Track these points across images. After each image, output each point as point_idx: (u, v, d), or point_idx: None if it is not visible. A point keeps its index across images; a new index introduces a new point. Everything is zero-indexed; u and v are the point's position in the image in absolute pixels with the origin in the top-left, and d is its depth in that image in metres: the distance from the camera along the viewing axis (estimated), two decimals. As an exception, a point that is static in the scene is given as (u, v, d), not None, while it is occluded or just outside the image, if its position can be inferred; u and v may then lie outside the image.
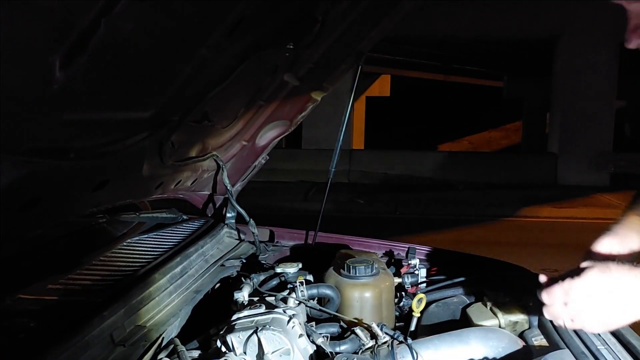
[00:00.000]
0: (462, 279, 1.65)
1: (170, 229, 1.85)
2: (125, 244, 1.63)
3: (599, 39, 10.34)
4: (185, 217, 2.04)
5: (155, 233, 1.77)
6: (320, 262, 1.61)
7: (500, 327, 1.32)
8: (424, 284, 1.65)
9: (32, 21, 0.70)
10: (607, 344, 1.23)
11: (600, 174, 10.80)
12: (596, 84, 10.59)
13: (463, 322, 1.43)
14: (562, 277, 1.04)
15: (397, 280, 1.56)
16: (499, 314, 1.35)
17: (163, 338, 1.20)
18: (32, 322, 1.08)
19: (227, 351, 1.11)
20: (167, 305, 1.34)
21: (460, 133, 19.82)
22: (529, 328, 1.33)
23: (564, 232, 6.80)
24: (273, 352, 1.09)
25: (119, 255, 1.54)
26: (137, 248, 1.61)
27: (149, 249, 1.61)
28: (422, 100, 19.86)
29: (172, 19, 0.93)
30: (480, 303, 1.44)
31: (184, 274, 1.49)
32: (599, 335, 1.27)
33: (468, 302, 1.50)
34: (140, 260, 1.50)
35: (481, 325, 1.33)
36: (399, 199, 9.29)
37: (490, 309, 1.39)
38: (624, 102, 14.11)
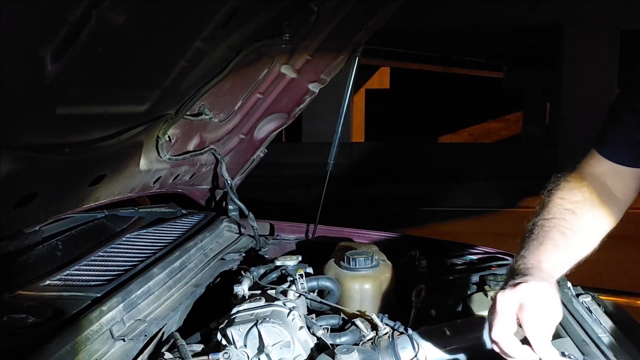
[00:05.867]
0: (463, 268, 1.66)
1: (169, 223, 1.85)
2: (124, 239, 1.63)
3: (600, 28, 10.29)
4: (184, 211, 2.04)
5: (154, 228, 1.77)
6: (321, 254, 1.61)
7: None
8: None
9: (22, 14, 0.69)
10: (607, 331, 1.23)
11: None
12: (598, 73, 10.53)
13: (464, 312, 1.42)
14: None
15: (398, 271, 1.56)
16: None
17: (163, 332, 1.20)
18: (31, 318, 1.08)
19: (227, 344, 1.11)
20: (167, 299, 1.34)
21: (460, 124, 19.78)
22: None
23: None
24: (273, 345, 1.09)
25: (118, 250, 1.53)
26: (137, 243, 1.61)
27: (148, 244, 1.60)
28: (422, 92, 19.81)
29: (164, 11, 0.92)
30: (481, 293, 1.44)
31: (184, 268, 1.49)
32: (600, 323, 1.27)
33: (469, 292, 1.50)
34: (140, 255, 1.50)
35: (482, 316, 1.32)
36: (399, 191, 9.28)
37: (491, 299, 1.38)
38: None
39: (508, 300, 0.94)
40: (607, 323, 1.28)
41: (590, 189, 1.15)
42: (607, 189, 1.17)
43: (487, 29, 11.89)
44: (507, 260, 1.74)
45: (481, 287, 1.48)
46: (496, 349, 0.94)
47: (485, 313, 1.32)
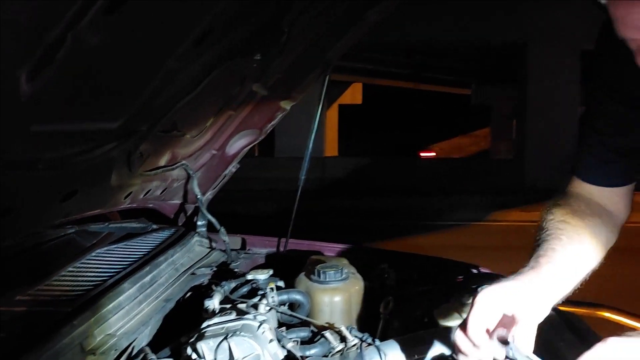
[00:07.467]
0: (430, 280, 1.70)
1: (139, 238, 1.84)
2: (94, 254, 1.62)
3: (563, 47, 10.66)
4: (155, 226, 2.04)
5: (124, 243, 1.77)
6: (292, 268, 1.63)
7: (465, 327, 1.36)
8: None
9: (-1, 35, 0.71)
10: (565, 341, 1.28)
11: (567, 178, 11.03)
12: (561, 90, 10.89)
13: (430, 323, 1.46)
14: None
15: (367, 284, 1.59)
16: (465, 315, 1.39)
17: (133, 347, 1.20)
18: (0, 333, 1.08)
19: (197, 358, 1.12)
20: (137, 314, 1.35)
21: (431, 140, 20.09)
22: (493, 327, 1.37)
23: (532, 235, 6.94)
24: (244, 358, 1.11)
25: (89, 265, 1.53)
26: (107, 258, 1.61)
27: (119, 259, 1.60)
28: (394, 108, 20.11)
29: (138, 32, 0.95)
30: (447, 305, 1.48)
31: (154, 282, 1.50)
32: (557, 332, 1.32)
33: (436, 304, 1.54)
34: (110, 270, 1.50)
35: (447, 327, 1.36)
36: (371, 205, 9.35)
37: (456, 310, 1.43)
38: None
39: (486, 297, 0.97)
40: (565, 333, 1.33)
41: (578, 204, 1.20)
42: (596, 204, 1.22)
43: (454, 47, 12.20)
44: (474, 272, 1.79)
45: (447, 299, 1.52)
46: (462, 347, 0.96)
47: (449, 323, 1.37)
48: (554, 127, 10.99)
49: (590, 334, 1.34)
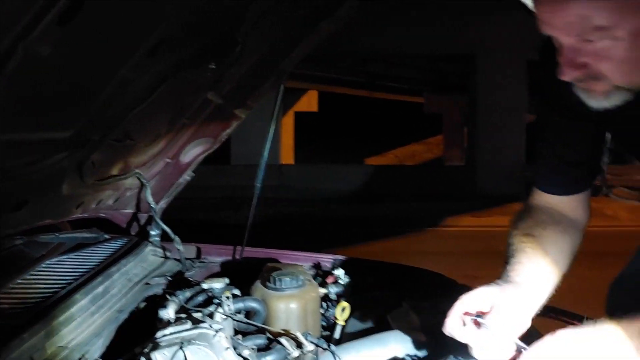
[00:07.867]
0: (384, 285, 1.74)
1: (91, 248, 1.81)
2: (44, 265, 1.58)
3: (510, 57, 11.07)
4: (107, 236, 2.00)
5: (75, 253, 1.73)
6: (248, 276, 1.64)
7: (418, 329, 1.41)
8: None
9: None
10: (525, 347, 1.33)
11: (515, 184, 11.44)
12: (508, 99, 11.29)
13: (385, 327, 1.50)
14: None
15: (323, 290, 1.62)
16: (417, 318, 1.43)
17: (86, 359, 1.19)
18: (-56, 349, 1.04)
19: (152, 368, 1.11)
20: (90, 325, 1.32)
21: (385, 147, 20.40)
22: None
23: (483, 240, 7.15)
24: (199, 366, 1.11)
25: (38, 277, 1.49)
26: (57, 269, 1.57)
27: (70, 270, 1.57)
28: (349, 116, 20.35)
29: (91, 42, 0.94)
30: (400, 309, 1.52)
31: (107, 293, 1.47)
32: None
33: (389, 308, 1.58)
34: (61, 281, 1.47)
35: (400, 329, 1.40)
36: (327, 212, 9.41)
37: (410, 313, 1.47)
38: (534, 116, 15.06)
39: (467, 299, 1.09)
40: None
41: (539, 215, 1.29)
42: (557, 213, 1.30)
43: (405, 56, 12.48)
44: (427, 276, 1.85)
45: (401, 303, 1.57)
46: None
47: (403, 326, 1.41)
48: (503, 135, 11.38)
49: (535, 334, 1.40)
